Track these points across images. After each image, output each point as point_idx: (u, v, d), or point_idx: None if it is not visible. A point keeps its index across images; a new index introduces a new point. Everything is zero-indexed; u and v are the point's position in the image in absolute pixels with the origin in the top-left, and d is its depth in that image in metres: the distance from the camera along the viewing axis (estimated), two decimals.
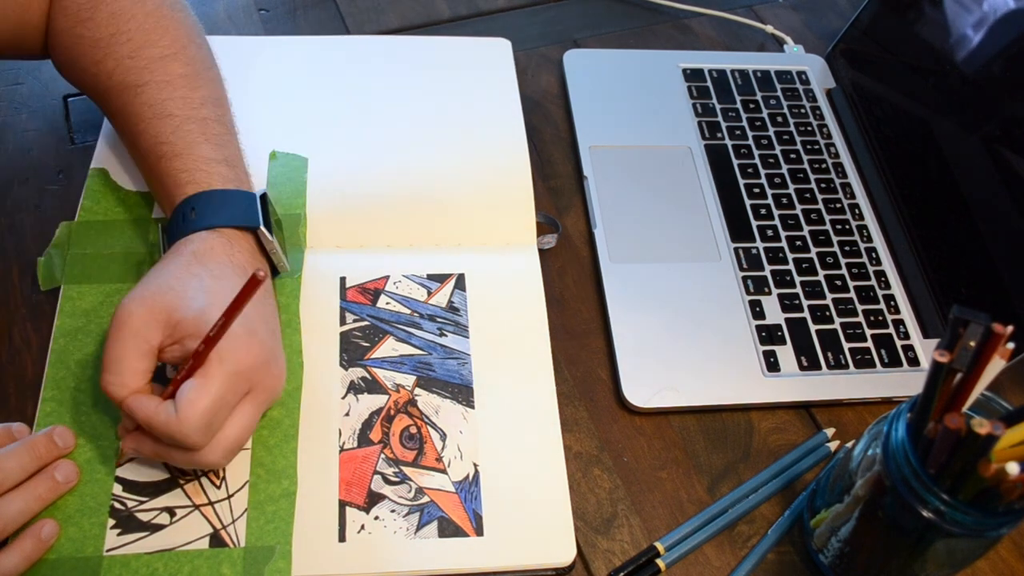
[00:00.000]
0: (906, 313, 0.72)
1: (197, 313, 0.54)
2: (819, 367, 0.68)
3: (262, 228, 0.61)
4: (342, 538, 0.57)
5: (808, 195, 0.78)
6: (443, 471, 0.60)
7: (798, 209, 0.77)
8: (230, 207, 0.61)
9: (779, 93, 0.86)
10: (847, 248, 0.75)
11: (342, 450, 0.60)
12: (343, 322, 0.66)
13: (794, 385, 0.67)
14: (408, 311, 0.67)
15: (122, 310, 0.54)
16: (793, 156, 0.81)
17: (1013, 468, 0.44)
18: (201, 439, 0.52)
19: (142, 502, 0.57)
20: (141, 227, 0.68)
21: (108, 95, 0.65)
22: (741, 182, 0.79)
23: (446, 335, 0.66)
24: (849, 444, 0.65)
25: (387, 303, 0.67)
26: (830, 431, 0.66)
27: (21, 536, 0.54)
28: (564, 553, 0.58)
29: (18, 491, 0.54)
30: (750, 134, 0.82)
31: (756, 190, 0.78)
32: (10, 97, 0.79)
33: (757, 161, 0.80)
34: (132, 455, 0.58)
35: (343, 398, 0.62)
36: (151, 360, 0.55)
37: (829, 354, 0.69)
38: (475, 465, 0.61)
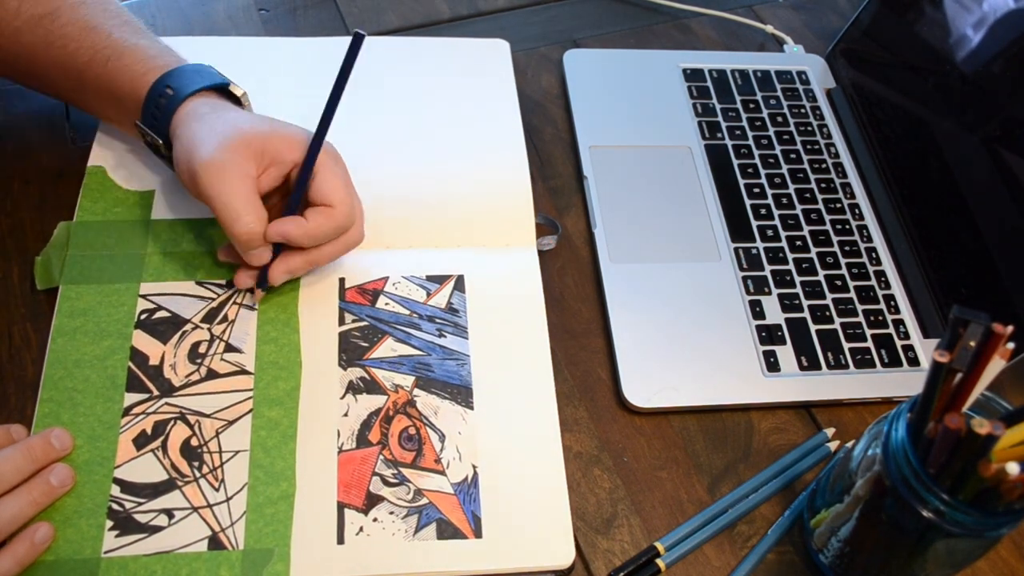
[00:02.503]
0: (906, 313, 0.72)
1: (270, 132, 0.61)
2: (819, 367, 0.68)
3: (232, 83, 0.66)
4: (340, 540, 0.57)
5: (808, 195, 0.78)
6: (442, 472, 0.60)
7: (798, 209, 0.77)
8: (198, 75, 0.65)
9: (779, 93, 0.86)
10: (847, 248, 0.75)
11: (340, 451, 0.60)
12: (342, 322, 0.66)
13: (794, 385, 0.67)
14: (407, 312, 0.67)
15: (211, 166, 0.58)
16: (793, 156, 0.81)
17: (1013, 468, 0.44)
18: (354, 214, 0.62)
19: (140, 503, 0.57)
20: (140, 228, 0.68)
21: (21, 33, 0.66)
22: (741, 182, 0.78)
23: (445, 336, 0.66)
24: (849, 444, 0.65)
25: (386, 304, 0.67)
26: (830, 431, 0.66)
27: (15, 540, 0.54)
28: (563, 555, 0.58)
29: (13, 495, 0.54)
30: (750, 134, 0.82)
31: (756, 190, 0.78)
32: (10, 97, 0.79)
33: (757, 161, 0.80)
34: (285, 278, 0.63)
35: (342, 398, 0.62)
36: (258, 193, 0.60)
37: (829, 354, 0.69)
38: (474, 467, 0.61)
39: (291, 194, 0.62)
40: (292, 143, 0.61)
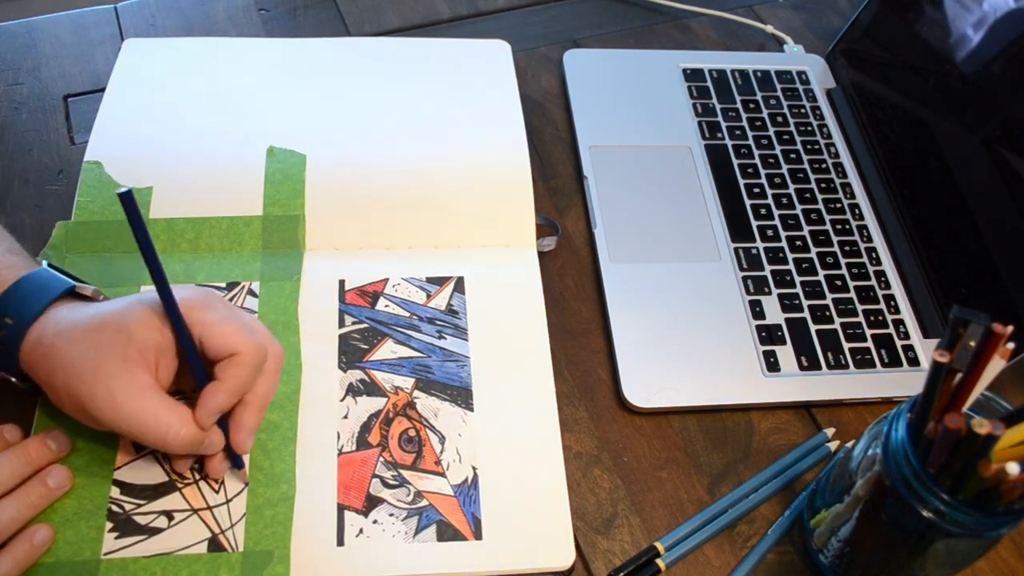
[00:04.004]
0: (906, 313, 0.72)
1: (135, 325, 0.53)
2: (819, 367, 0.68)
3: (77, 284, 0.59)
4: (340, 542, 0.57)
5: (808, 195, 0.78)
6: (442, 474, 0.60)
7: (798, 209, 0.77)
8: (41, 290, 0.57)
9: (779, 93, 0.86)
10: (847, 248, 0.75)
11: (340, 453, 0.60)
12: (342, 325, 0.66)
13: (794, 385, 0.67)
14: (407, 314, 0.67)
15: (106, 404, 0.52)
16: (793, 156, 0.81)
17: (1013, 468, 0.44)
18: (262, 340, 0.56)
19: (140, 505, 0.57)
20: None
21: None
22: (741, 182, 0.78)
23: (445, 338, 0.66)
24: (849, 444, 0.65)
25: (386, 306, 0.67)
26: (830, 431, 0.66)
27: (14, 542, 0.54)
28: (563, 557, 0.58)
29: (10, 498, 0.54)
30: (750, 134, 0.82)
31: (756, 190, 0.78)
32: (10, 97, 0.79)
33: (757, 161, 0.80)
34: (251, 438, 0.57)
35: (341, 400, 0.62)
36: (165, 393, 0.54)
37: (829, 354, 0.69)
38: (474, 468, 0.60)
39: (190, 368, 0.55)
40: (156, 325, 0.54)
